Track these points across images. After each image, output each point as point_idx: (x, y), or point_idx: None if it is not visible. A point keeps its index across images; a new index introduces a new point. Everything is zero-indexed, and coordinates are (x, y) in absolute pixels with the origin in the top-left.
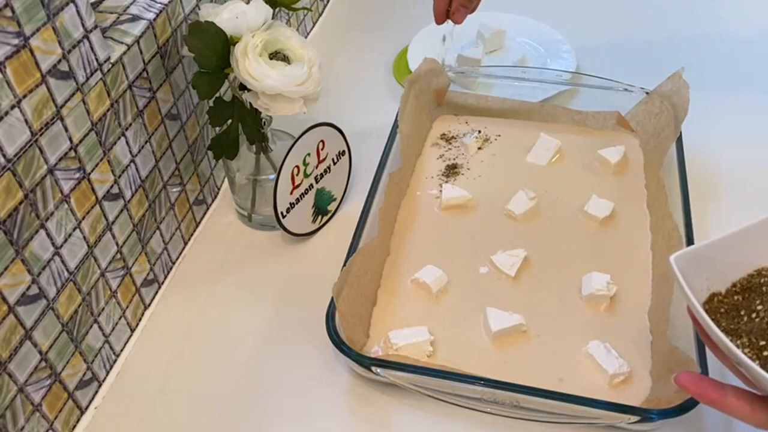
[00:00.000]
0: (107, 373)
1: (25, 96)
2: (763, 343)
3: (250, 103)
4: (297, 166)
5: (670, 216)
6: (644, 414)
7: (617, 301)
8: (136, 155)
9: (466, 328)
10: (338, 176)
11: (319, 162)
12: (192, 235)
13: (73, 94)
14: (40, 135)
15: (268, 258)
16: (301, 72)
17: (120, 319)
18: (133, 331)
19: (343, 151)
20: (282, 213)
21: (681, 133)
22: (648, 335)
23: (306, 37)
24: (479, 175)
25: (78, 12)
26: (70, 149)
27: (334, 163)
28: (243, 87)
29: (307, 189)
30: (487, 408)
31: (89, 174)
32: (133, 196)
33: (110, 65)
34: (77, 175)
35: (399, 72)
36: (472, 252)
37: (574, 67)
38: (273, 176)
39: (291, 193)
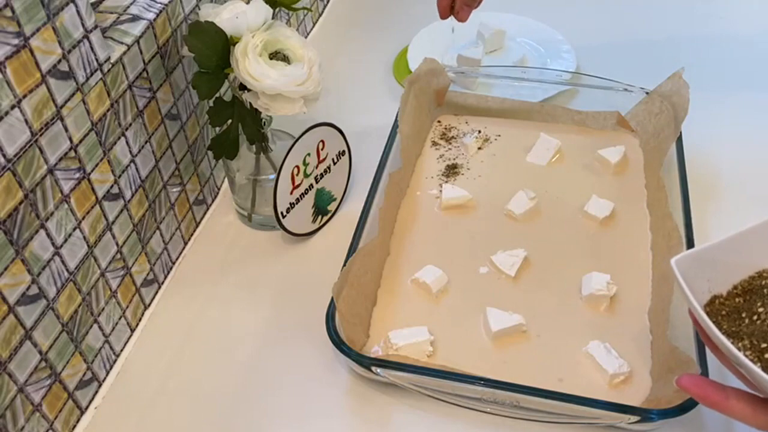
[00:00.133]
0: (107, 373)
1: (25, 96)
2: (764, 345)
3: (250, 103)
4: (297, 166)
5: (670, 216)
6: (644, 414)
7: (617, 301)
8: (136, 155)
9: (466, 328)
10: (338, 176)
11: (319, 162)
12: (192, 235)
13: (73, 94)
14: (40, 135)
15: (268, 258)
16: (301, 72)
17: (120, 319)
18: (133, 331)
19: (343, 151)
20: (282, 213)
21: (681, 133)
22: (648, 335)
23: (306, 37)
24: (479, 175)
25: (78, 12)
26: (70, 149)
27: (334, 163)
28: (243, 87)
29: (307, 189)
30: (487, 408)
31: (89, 174)
32: (133, 196)
33: (110, 65)
34: (77, 175)
35: (399, 72)
36: (472, 252)
37: (574, 67)
38: (273, 176)
39: (291, 193)
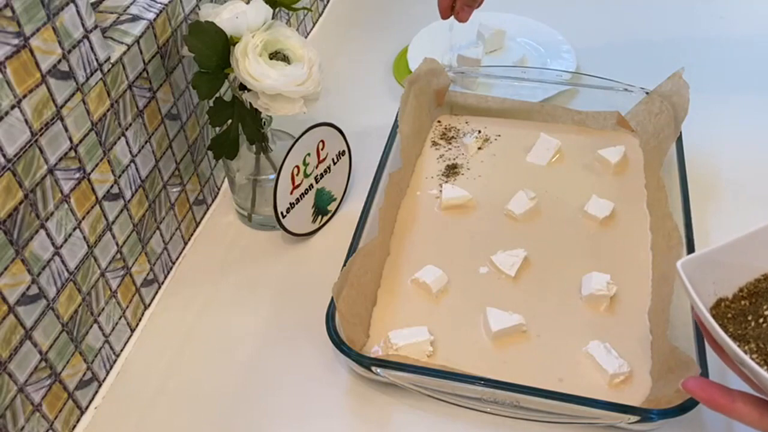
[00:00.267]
0: (107, 373)
1: (25, 96)
2: None
3: (250, 103)
4: (297, 166)
5: (670, 216)
6: (644, 414)
7: (617, 301)
8: (136, 155)
9: (466, 328)
10: (338, 176)
11: (319, 162)
12: (192, 235)
13: (73, 94)
14: (40, 135)
15: (268, 258)
16: (301, 72)
17: (120, 319)
18: (133, 331)
19: (343, 151)
20: (282, 213)
21: (681, 133)
22: (648, 335)
23: (306, 37)
24: (479, 175)
25: (78, 12)
26: (70, 149)
27: (334, 163)
28: (243, 87)
29: (307, 189)
30: (487, 408)
31: (89, 174)
32: (133, 196)
33: (110, 65)
34: (77, 175)
35: (399, 72)
36: (472, 252)
37: (574, 67)
38: (273, 176)
39: (291, 193)
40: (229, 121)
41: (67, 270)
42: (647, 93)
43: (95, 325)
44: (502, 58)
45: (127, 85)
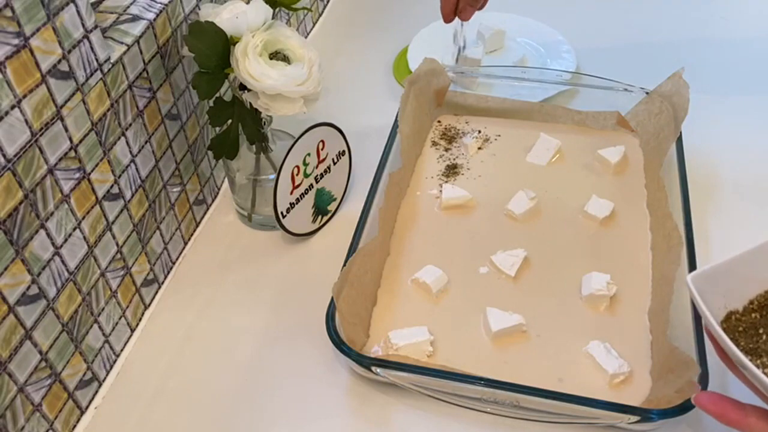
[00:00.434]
0: (107, 373)
1: (25, 96)
2: None
3: (250, 103)
4: (297, 166)
5: (670, 216)
6: (644, 414)
7: (617, 301)
8: (136, 155)
9: (466, 328)
10: (338, 176)
11: (319, 162)
12: (192, 235)
13: (73, 94)
14: (40, 135)
15: (268, 258)
16: (301, 72)
17: (120, 319)
18: (133, 331)
19: (343, 151)
20: (282, 213)
21: (681, 133)
22: (648, 335)
23: (306, 37)
24: (479, 175)
25: (78, 12)
26: (70, 149)
27: (334, 163)
28: (243, 87)
29: (307, 189)
30: (487, 408)
31: (89, 174)
32: (133, 196)
33: (110, 65)
34: (77, 175)
35: (399, 72)
36: (472, 252)
37: (574, 67)
38: (273, 176)
39: (291, 193)
40: (229, 121)
41: (67, 270)
42: (647, 93)
43: (95, 325)
44: (502, 58)
45: (127, 85)
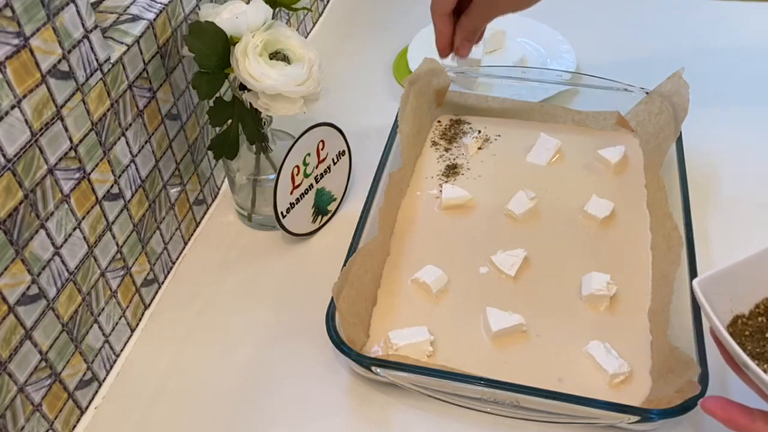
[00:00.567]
0: (107, 373)
1: (25, 96)
2: None
3: (250, 103)
4: (297, 166)
5: (670, 216)
6: (644, 414)
7: (617, 301)
8: (136, 155)
9: (466, 328)
10: (338, 176)
11: (319, 162)
12: (192, 235)
13: (73, 94)
14: (40, 135)
15: (268, 258)
16: (301, 72)
17: (120, 319)
18: (133, 331)
19: (343, 151)
20: (282, 213)
21: (681, 133)
22: (648, 335)
23: (306, 37)
24: (479, 175)
25: (78, 12)
26: (70, 149)
27: (334, 163)
28: (243, 87)
29: (307, 189)
30: (487, 408)
31: (89, 174)
32: (133, 196)
33: (110, 65)
34: (77, 175)
35: (399, 72)
36: (472, 252)
37: (574, 67)
38: (273, 176)
39: (291, 193)
40: (229, 121)
41: (67, 270)
42: (647, 93)
43: (95, 325)
44: (502, 58)
45: (127, 85)
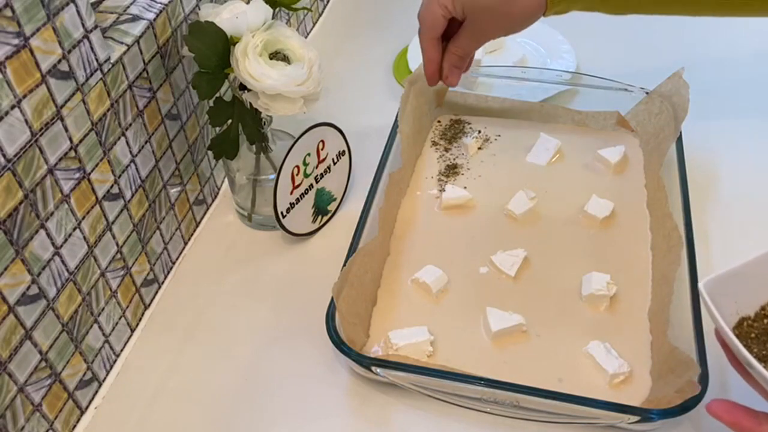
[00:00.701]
0: (107, 373)
1: (25, 96)
2: None
3: (250, 103)
4: (297, 166)
5: (670, 216)
6: (644, 414)
7: (617, 301)
8: (136, 155)
9: (466, 328)
10: (338, 176)
11: (319, 162)
12: (192, 235)
13: (73, 94)
14: (40, 135)
15: (268, 258)
16: (301, 72)
17: (120, 319)
18: (133, 331)
19: (343, 151)
20: (282, 213)
21: (681, 133)
22: (648, 335)
23: (306, 37)
24: (479, 175)
25: (78, 12)
26: (70, 149)
27: (334, 163)
28: (243, 87)
29: (307, 189)
30: (487, 408)
31: (89, 174)
32: (133, 196)
33: (110, 65)
34: (77, 175)
35: (399, 72)
36: (472, 252)
37: (574, 67)
38: (273, 176)
39: (291, 193)
40: (229, 121)
41: (67, 270)
42: (647, 93)
43: (95, 325)
44: (502, 58)
45: (127, 85)
